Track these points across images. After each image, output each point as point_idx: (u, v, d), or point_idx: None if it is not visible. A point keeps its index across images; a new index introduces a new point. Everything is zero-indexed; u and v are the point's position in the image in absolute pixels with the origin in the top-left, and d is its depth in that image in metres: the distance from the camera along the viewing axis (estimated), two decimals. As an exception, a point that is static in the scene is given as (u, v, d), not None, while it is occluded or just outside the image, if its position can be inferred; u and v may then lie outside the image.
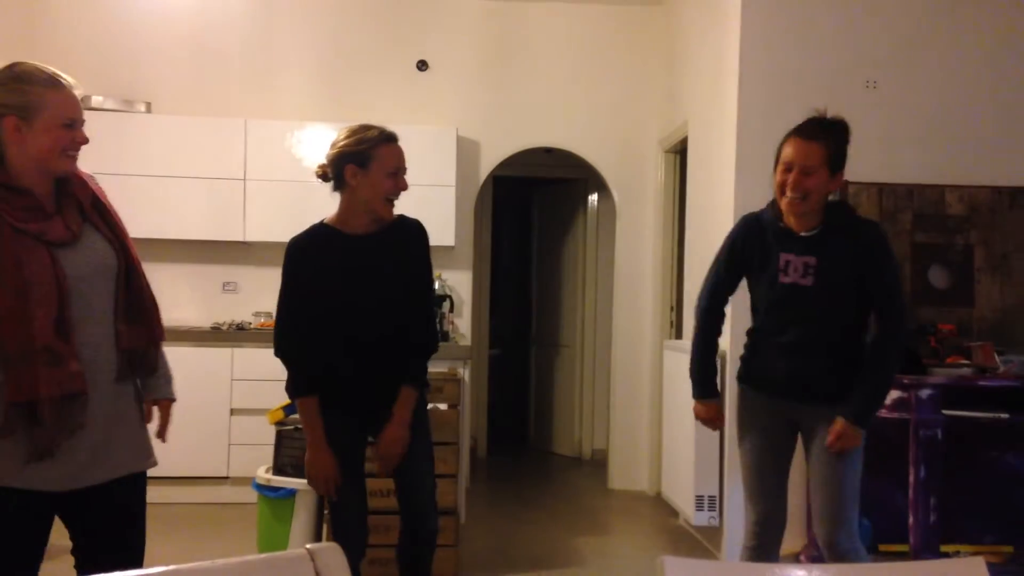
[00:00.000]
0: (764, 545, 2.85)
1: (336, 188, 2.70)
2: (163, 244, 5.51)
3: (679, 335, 5.42)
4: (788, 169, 2.68)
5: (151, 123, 5.42)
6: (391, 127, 2.68)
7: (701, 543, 4.62)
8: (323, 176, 2.72)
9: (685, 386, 4.44)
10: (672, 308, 5.71)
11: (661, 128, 5.80)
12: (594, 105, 5.94)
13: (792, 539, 4.23)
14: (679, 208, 5.63)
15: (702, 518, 4.31)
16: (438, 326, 4.23)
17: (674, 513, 5.04)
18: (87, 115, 2.15)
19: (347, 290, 2.68)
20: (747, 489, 2.89)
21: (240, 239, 5.44)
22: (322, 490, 2.71)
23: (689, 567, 1.23)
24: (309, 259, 2.68)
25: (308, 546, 1.16)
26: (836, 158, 2.69)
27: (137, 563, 2.18)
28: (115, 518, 2.18)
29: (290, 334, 2.70)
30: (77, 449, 2.05)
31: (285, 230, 2.94)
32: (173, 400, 2.36)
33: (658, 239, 5.82)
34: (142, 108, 5.46)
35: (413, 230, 2.80)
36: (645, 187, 5.94)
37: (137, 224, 5.33)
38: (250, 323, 5.52)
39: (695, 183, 5.05)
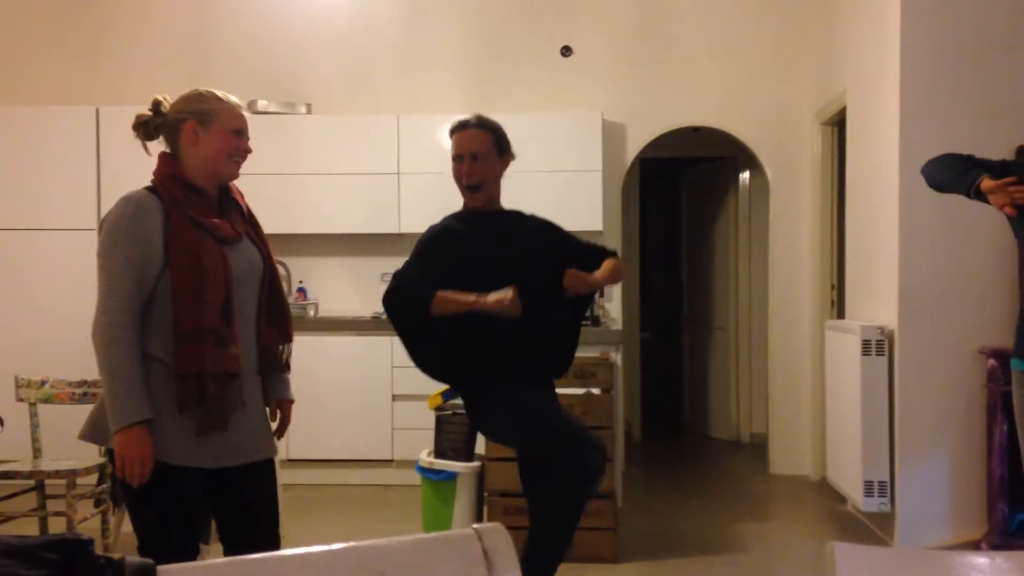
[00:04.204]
0: None
1: None
2: (326, 239, 5.81)
3: (840, 314, 5.20)
4: None
5: (312, 123, 5.68)
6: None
7: (871, 530, 4.43)
8: None
9: (850, 366, 4.28)
10: (833, 286, 5.49)
11: (817, 99, 5.56)
12: (743, 79, 5.76)
13: (973, 526, 3.99)
14: (838, 182, 5.39)
15: (872, 504, 4.12)
16: None
17: (841, 499, 4.85)
18: (254, 118, 2.32)
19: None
20: None
21: (395, 231, 5.62)
22: (511, 309, 2.77)
23: (861, 554, 1.18)
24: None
25: (475, 526, 1.19)
26: None
27: (276, 545, 2.34)
28: (252, 500, 2.35)
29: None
30: (231, 429, 2.24)
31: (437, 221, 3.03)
32: (293, 401, 2.53)
33: (816, 216, 5.59)
34: (303, 110, 5.72)
35: None
36: (800, 162, 5.72)
37: (301, 221, 5.68)
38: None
39: (855, 156, 4.82)
